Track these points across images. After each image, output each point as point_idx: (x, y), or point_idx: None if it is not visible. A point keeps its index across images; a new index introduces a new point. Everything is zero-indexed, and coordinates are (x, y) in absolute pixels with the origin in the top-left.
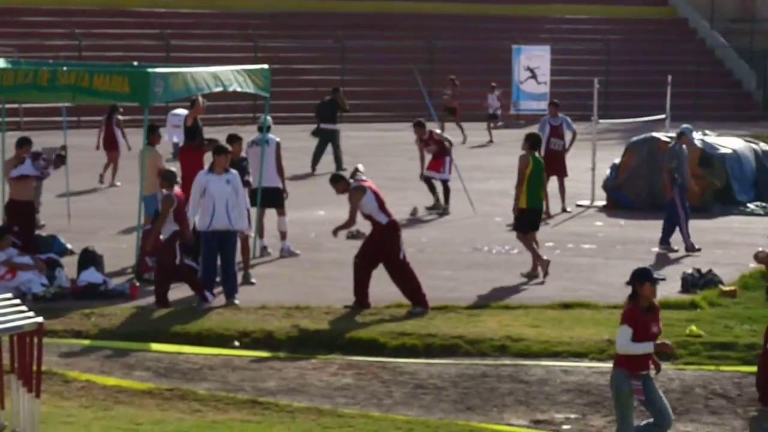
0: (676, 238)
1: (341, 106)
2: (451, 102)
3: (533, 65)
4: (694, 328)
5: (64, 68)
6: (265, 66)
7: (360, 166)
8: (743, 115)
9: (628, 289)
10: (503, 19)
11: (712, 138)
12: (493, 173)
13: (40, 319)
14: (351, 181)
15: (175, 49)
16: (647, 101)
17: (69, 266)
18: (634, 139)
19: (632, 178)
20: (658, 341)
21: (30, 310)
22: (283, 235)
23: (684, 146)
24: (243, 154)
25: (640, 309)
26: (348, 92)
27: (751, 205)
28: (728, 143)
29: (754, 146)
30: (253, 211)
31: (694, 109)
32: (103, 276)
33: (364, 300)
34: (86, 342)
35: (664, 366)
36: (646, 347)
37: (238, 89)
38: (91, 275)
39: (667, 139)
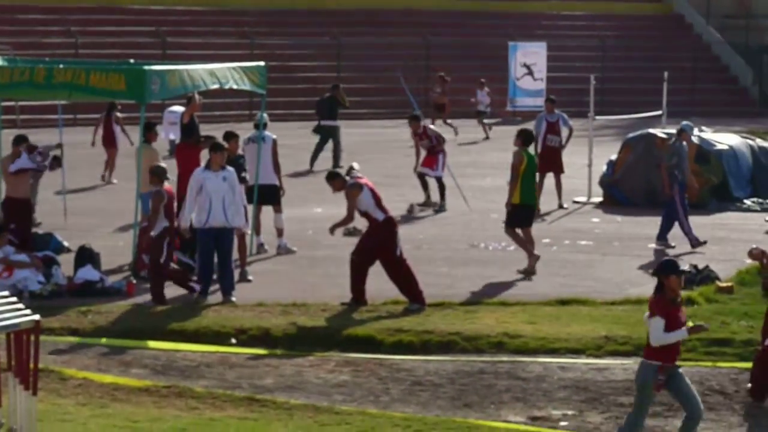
0: (674, 234)
1: (341, 102)
2: (440, 99)
3: (529, 62)
4: (690, 324)
5: (61, 66)
6: (262, 63)
7: (355, 164)
8: (739, 111)
9: (624, 286)
10: (500, 15)
11: (709, 134)
12: (488, 170)
13: (36, 316)
14: (347, 178)
15: (171, 47)
16: (644, 97)
17: (66, 264)
18: (631, 135)
19: (629, 174)
20: (690, 325)
21: (27, 307)
22: (279, 232)
23: (684, 143)
24: (240, 151)
25: (668, 300)
26: (344, 89)
27: (747, 201)
28: (725, 139)
29: (750, 142)
30: (250, 208)
31: (690, 105)
32: (99, 273)
33: (361, 297)
34: (83, 339)
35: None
36: (681, 334)
37: (235, 87)
38: (87, 273)
39: (664, 135)
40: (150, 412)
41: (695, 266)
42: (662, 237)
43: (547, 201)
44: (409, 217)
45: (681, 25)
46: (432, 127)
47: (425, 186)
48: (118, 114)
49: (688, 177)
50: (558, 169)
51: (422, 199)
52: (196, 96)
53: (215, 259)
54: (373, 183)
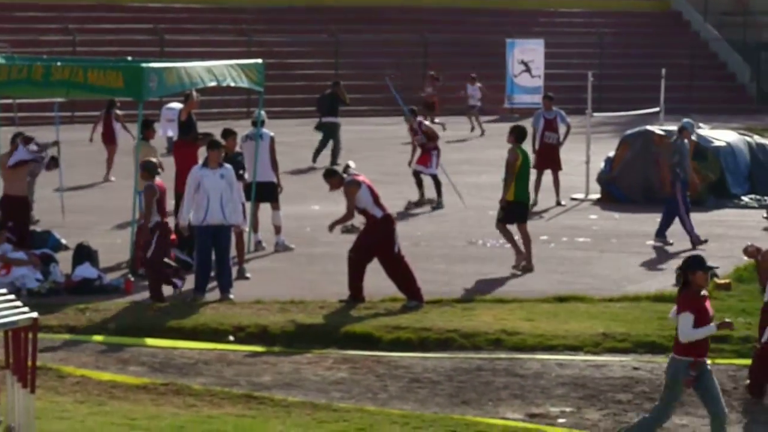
0: (672, 232)
1: (342, 99)
2: (430, 97)
3: (527, 59)
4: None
5: (59, 63)
6: (259, 60)
7: (351, 163)
8: (737, 107)
9: (622, 283)
10: (497, 12)
11: (706, 131)
12: (484, 167)
13: (34, 314)
14: (345, 176)
15: (169, 44)
16: (641, 94)
17: (64, 261)
18: (629, 132)
19: (626, 171)
20: (724, 321)
21: (25, 305)
22: (277, 230)
23: (686, 141)
24: (237, 148)
25: (695, 294)
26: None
27: (745, 198)
28: (722, 136)
29: (748, 139)
30: (248, 205)
31: (688, 102)
32: (97, 271)
33: (359, 294)
34: (81, 337)
35: (659, 359)
36: (709, 330)
37: (232, 84)
38: (85, 270)
39: (662, 132)
40: (148, 410)
41: None
42: (661, 234)
43: (544, 198)
44: (407, 214)
45: (678, 22)
46: (427, 123)
47: (420, 184)
48: (118, 111)
49: (690, 175)
50: (556, 166)
51: (418, 197)
52: (194, 93)
53: (213, 257)
54: (371, 180)
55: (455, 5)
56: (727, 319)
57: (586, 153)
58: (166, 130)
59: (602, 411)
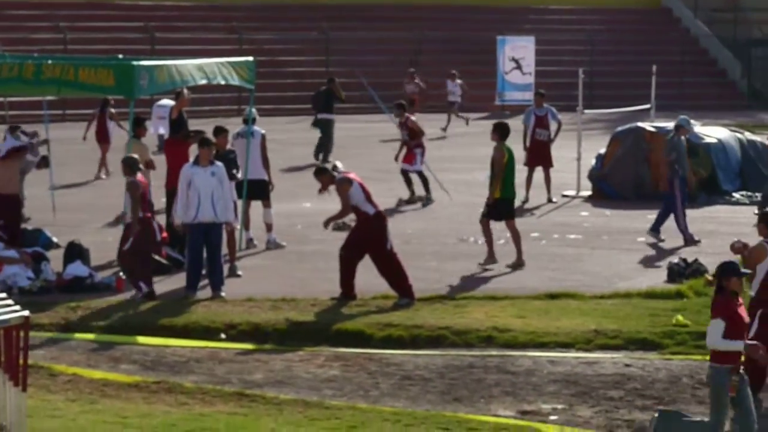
0: (665, 228)
1: (338, 96)
2: (412, 94)
3: (518, 56)
4: (680, 317)
5: (50, 61)
6: (250, 58)
7: (339, 163)
8: (728, 104)
9: (613, 280)
10: (488, 9)
11: (697, 127)
12: (475, 164)
13: (26, 312)
14: (335, 174)
15: (160, 42)
16: (632, 91)
17: (55, 260)
18: (620, 129)
19: (618, 168)
20: (752, 342)
21: (16, 303)
22: (269, 227)
23: (683, 138)
24: (229, 146)
25: (731, 299)
26: None
27: (736, 195)
28: (713, 133)
29: (739, 136)
30: (239, 203)
31: (679, 99)
32: (89, 269)
33: (351, 292)
34: (73, 335)
35: (651, 356)
36: (735, 346)
37: (223, 82)
38: (77, 268)
39: (653, 129)
40: (139, 408)
41: (684, 259)
42: (655, 229)
43: (536, 195)
44: (397, 211)
45: (669, 19)
46: (414, 118)
47: (409, 182)
48: (112, 110)
49: (688, 172)
50: (547, 163)
51: (408, 195)
52: (185, 91)
53: (204, 255)
54: (362, 178)
55: (446, 3)
56: (754, 342)
57: (577, 150)
58: (157, 128)
59: (594, 408)
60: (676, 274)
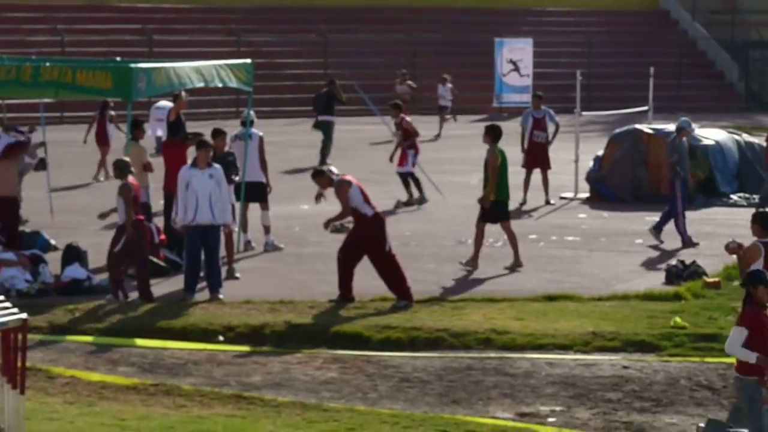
0: (665, 229)
1: (338, 98)
2: (403, 95)
3: (516, 58)
4: (678, 319)
5: (47, 64)
6: (248, 60)
7: (333, 168)
8: (726, 106)
9: (611, 282)
10: (486, 12)
11: (695, 129)
12: (473, 166)
13: (24, 315)
14: (333, 176)
15: (157, 44)
16: (630, 93)
17: (53, 262)
18: (617, 131)
19: (615, 170)
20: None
21: (14, 306)
22: (266, 230)
23: (684, 139)
24: (227, 148)
25: (759, 310)
26: None
27: (734, 197)
28: (711, 135)
29: (736, 137)
30: (237, 205)
31: (676, 101)
32: (87, 272)
33: (349, 294)
34: (71, 338)
35: (649, 358)
36: (747, 356)
37: (221, 84)
38: (75, 271)
39: (651, 131)
40: (137, 410)
41: (682, 261)
42: (658, 228)
43: (533, 197)
44: (395, 213)
45: (667, 21)
46: (408, 119)
47: (407, 184)
48: (112, 113)
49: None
50: (545, 165)
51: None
52: (183, 93)
53: (202, 257)
54: (360, 180)
55: (445, 5)
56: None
57: (575, 152)
58: (155, 130)
59: (592, 410)
60: (674, 276)
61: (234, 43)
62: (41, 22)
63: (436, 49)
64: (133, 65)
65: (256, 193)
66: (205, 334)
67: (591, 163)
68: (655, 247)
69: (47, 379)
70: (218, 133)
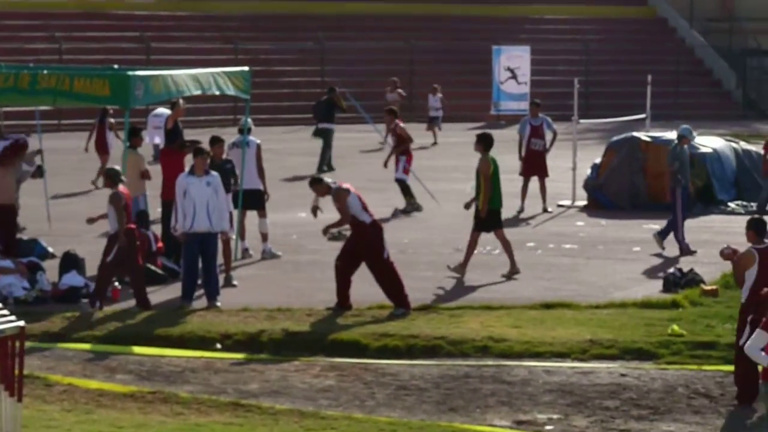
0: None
1: (339, 105)
2: (393, 103)
3: (513, 65)
4: (676, 327)
5: (45, 72)
6: (246, 68)
7: (326, 178)
8: (723, 114)
9: (609, 290)
10: (483, 19)
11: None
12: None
13: (21, 323)
14: (331, 184)
15: (155, 52)
16: (627, 101)
17: (50, 270)
18: (615, 138)
19: (613, 177)
20: None
21: (12, 313)
22: (264, 237)
23: (685, 147)
24: (225, 156)
25: None
26: None
27: (731, 204)
28: (709, 142)
29: (734, 145)
30: (235, 213)
31: (674, 109)
32: (84, 279)
33: (346, 302)
34: (68, 345)
35: (646, 366)
36: (762, 360)
37: (218, 92)
38: (72, 279)
39: (648, 139)
40: (135, 418)
41: (680, 269)
42: (663, 235)
43: (531, 205)
44: (393, 221)
45: (664, 29)
46: (402, 125)
47: (405, 192)
48: (111, 120)
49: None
50: (542, 173)
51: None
52: (181, 101)
53: (200, 264)
54: (358, 188)
55: (442, 13)
56: None
57: (573, 159)
58: (153, 138)
59: (590, 418)
60: (671, 283)
61: (231, 50)
62: (39, 29)
63: (434, 56)
64: (130, 73)
65: (253, 200)
66: (203, 342)
67: (588, 171)
68: (652, 255)
69: (45, 386)
70: (216, 141)
